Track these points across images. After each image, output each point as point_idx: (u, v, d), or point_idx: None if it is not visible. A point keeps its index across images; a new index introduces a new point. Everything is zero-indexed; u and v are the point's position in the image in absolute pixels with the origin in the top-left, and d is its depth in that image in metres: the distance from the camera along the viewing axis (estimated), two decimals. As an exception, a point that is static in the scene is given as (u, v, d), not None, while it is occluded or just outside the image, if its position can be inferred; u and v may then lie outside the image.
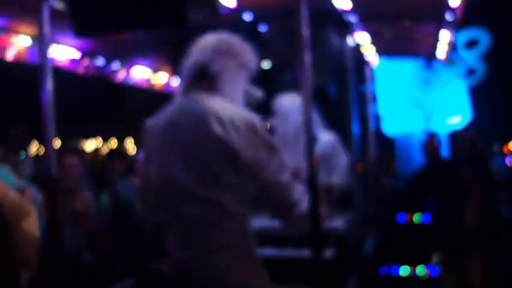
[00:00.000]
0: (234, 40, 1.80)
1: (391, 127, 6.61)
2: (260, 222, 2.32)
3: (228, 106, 1.69)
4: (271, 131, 2.92)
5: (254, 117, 1.67)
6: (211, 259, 1.62)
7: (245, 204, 1.67)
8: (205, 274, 1.62)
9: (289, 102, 2.98)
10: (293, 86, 2.62)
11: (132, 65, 4.02)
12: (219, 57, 1.74)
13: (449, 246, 3.66)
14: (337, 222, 2.44)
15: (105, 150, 13.91)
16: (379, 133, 6.23)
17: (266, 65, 3.35)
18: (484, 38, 6.49)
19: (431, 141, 4.43)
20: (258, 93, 1.81)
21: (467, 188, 3.42)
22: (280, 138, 2.94)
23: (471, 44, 6.45)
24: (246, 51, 1.80)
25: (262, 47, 3.05)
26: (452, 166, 3.78)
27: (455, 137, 4.79)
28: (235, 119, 1.63)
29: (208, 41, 1.77)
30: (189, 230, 1.66)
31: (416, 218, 5.12)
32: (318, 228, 1.73)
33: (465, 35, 6.41)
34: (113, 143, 14.95)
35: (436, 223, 3.93)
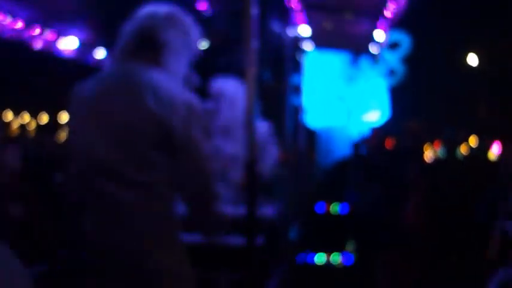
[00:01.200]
0: (186, 16, 1.71)
1: (313, 120, 6.77)
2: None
3: (169, 82, 1.58)
4: (208, 114, 2.82)
5: (193, 98, 1.59)
6: (133, 243, 1.53)
7: (172, 186, 1.58)
8: (126, 259, 1.53)
9: (236, 87, 2.89)
10: (231, 69, 2.55)
11: (59, 33, 3.65)
12: (169, 28, 1.63)
13: (386, 243, 3.62)
14: (267, 210, 2.43)
15: (33, 126, 12.98)
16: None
17: (203, 45, 3.22)
18: (405, 41, 6.85)
19: (375, 135, 4.58)
20: (196, 79, 1.73)
21: (410, 185, 3.34)
22: (225, 124, 2.85)
23: (393, 46, 6.77)
24: (196, 31, 1.72)
25: (202, 25, 2.93)
26: (390, 159, 3.76)
27: (372, 133, 4.99)
28: (174, 96, 1.53)
29: (160, 9, 1.66)
30: (111, 212, 1.54)
31: (335, 208, 5.30)
32: (254, 215, 1.69)
33: (388, 38, 6.74)
34: (45, 118, 13.93)
35: (364, 215, 3.97)
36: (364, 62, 6.71)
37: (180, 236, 1.62)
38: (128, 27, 1.64)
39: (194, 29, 1.71)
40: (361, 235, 4.23)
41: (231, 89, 2.90)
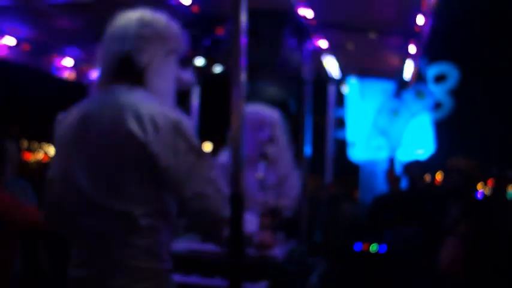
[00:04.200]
0: (160, 21, 1.52)
1: (358, 153, 6.53)
2: (187, 244, 2.06)
3: (151, 102, 1.44)
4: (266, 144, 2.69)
5: (180, 116, 1.43)
6: (113, 280, 1.38)
7: (161, 217, 1.42)
8: None
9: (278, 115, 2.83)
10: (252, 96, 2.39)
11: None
12: (145, 45, 1.48)
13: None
14: (277, 251, 2.19)
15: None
16: (343, 158, 6.09)
17: (218, 69, 3.07)
18: (452, 73, 6.61)
19: (392, 168, 4.28)
20: (190, 77, 1.57)
21: (449, 225, 2.98)
22: (279, 154, 2.78)
23: (440, 78, 6.54)
24: (175, 32, 1.55)
25: (216, 48, 2.81)
26: (430, 198, 3.43)
27: (408, 167, 4.67)
28: (156, 116, 1.39)
29: (130, 24, 1.49)
30: (92, 245, 1.42)
31: (373, 248, 4.95)
32: (240, 251, 1.47)
33: (434, 69, 6.54)
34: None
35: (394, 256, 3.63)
36: (407, 95, 6.47)
37: (171, 274, 1.46)
38: (103, 51, 1.50)
39: (173, 29, 1.54)
40: (392, 280, 3.86)
41: (278, 117, 2.81)
